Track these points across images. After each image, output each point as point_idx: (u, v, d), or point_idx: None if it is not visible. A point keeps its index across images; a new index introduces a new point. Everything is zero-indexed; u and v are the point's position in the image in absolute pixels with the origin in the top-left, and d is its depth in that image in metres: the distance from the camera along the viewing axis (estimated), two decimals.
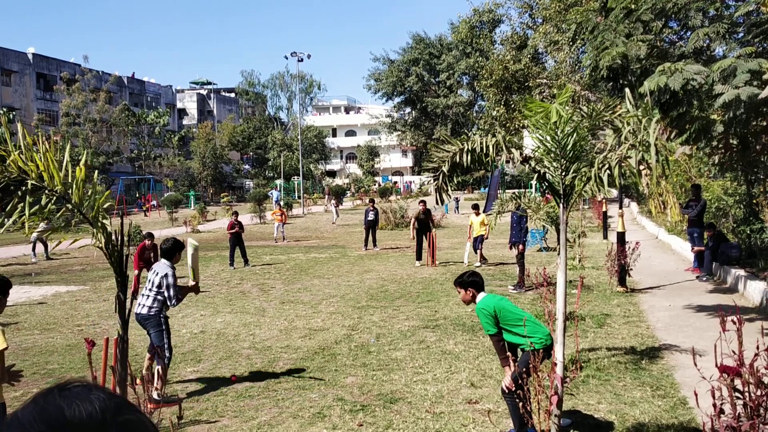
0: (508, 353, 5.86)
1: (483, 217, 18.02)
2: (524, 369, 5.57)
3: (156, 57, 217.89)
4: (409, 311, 11.92)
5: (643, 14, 9.58)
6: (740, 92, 8.14)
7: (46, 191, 4.64)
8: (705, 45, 9.65)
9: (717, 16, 9.82)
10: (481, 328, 10.24)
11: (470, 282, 5.95)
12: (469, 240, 18.53)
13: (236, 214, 20.24)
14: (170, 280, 7.77)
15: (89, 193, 4.77)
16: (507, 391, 5.64)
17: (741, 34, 10.11)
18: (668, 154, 4.97)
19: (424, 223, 18.89)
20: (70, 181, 4.77)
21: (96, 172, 5.03)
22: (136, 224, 14.48)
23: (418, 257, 18.75)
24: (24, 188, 4.59)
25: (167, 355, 7.60)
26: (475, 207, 18.47)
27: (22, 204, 4.55)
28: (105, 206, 4.96)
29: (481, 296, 5.89)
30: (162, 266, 7.85)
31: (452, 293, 13.59)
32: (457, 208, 40.75)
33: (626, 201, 34.09)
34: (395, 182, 76.57)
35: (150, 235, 15.38)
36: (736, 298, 11.71)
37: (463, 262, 18.44)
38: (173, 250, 8.09)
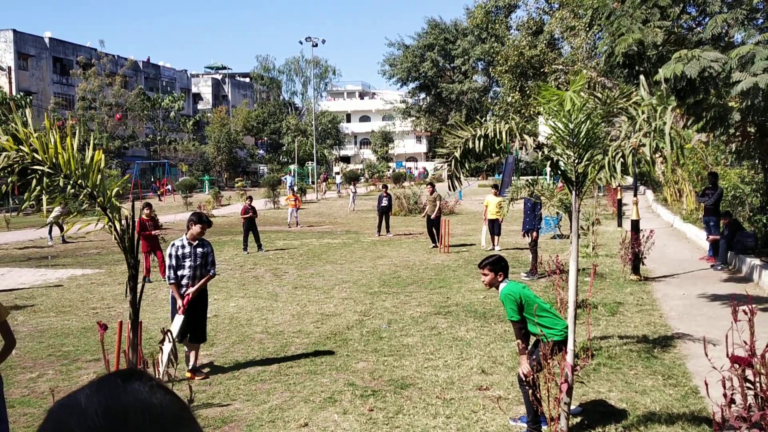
0: (518, 341, 5.86)
1: (500, 199, 17.97)
2: (535, 357, 5.57)
3: (171, 41, 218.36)
4: (421, 297, 11.94)
5: (660, 0, 9.46)
6: (758, 80, 8.03)
7: (62, 176, 4.67)
8: (723, 31, 9.52)
9: (736, 1, 9.67)
10: (492, 315, 10.27)
11: (503, 266, 5.93)
12: (484, 222, 18.58)
13: (250, 198, 20.28)
14: (169, 250, 7.85)
15: (98, 180, 4.79)
16: (523, 379, 5.63)
17: (760, 21, 9.96)
18: (683, 142, 4.92)
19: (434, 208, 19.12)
20: (84, 166, 4.80)
21: (103, 156, 5.04)
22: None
23: (433, 240, 19.01)
24: (40, 173, 4.62)
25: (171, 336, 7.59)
26: (495, 187, 18.51)
27: (39, 187, 4.58)
28: (117, 191, 4.99)
29: (505, 283, 5.87)
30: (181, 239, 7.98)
31: (465, 280, 13.58)
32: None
33: (641, 189, 33.85)
34: (409, 167, 76.49)
35: (147, 206, 15.04)
36: (751, 287, 11.62)
37: (482, 246, 18.51)
38: (188, 222, 8.07)
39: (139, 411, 0.89)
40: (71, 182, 4.58)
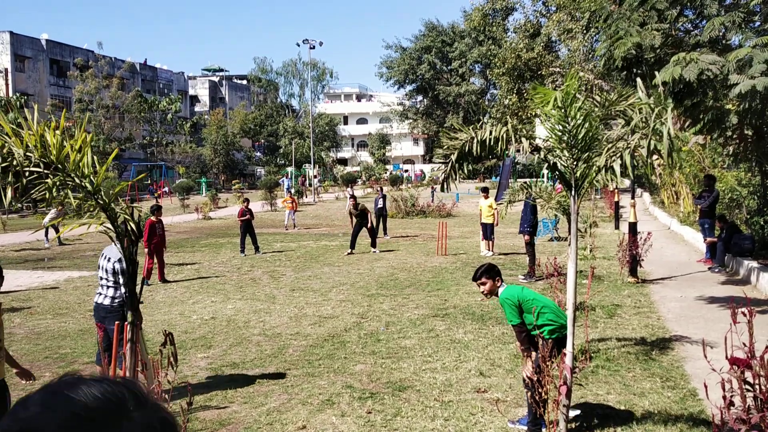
0: (518, 343, 5.86)
1: (491, 201, 18.02)
2: (535, 360, 5.57)
3: (169, 44, 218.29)
4: (419, 300, 11.93)
5: (657, 2, 9.47)
6: (756, 82, 8.03)
7: (67, 176, 4.65)
8: (721, 34, 9.54)
9: (733, 4, 9.69)
10: (490, 317, 10.26)
11: (498, 271, 5.94)
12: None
13: (247, 201, 20.26)
14: (124, 265, 6.83)
15: (96, 180, 4.78)
16: (528, 381, 5.62)
17: (758, 23, 9.98)
18: (681, 144, 4.93)
19: (362, 216, 19.33)
20: (89, 167, 4.79)
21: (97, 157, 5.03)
22: (147, 212, 14.52)
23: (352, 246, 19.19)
24: (44, 173, 4.60)
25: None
26: (484, 190, 18.52)
27: (51, 184, 4.55)
28: (117, 191, 4.98)
29: (503, 287, 5.88)
30: (114, 250, 7.08)
31: (462, 282, 13.58)
32: (433, 196, 36.62)
33: (638, 191, 33.88)
34: (406, 170, 76.46)
35: (158, 209, 15.11)
36: (749, 289, 11.63)
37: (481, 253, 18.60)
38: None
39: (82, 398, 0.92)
40: (82, 182, 4.56)
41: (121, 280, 7.05)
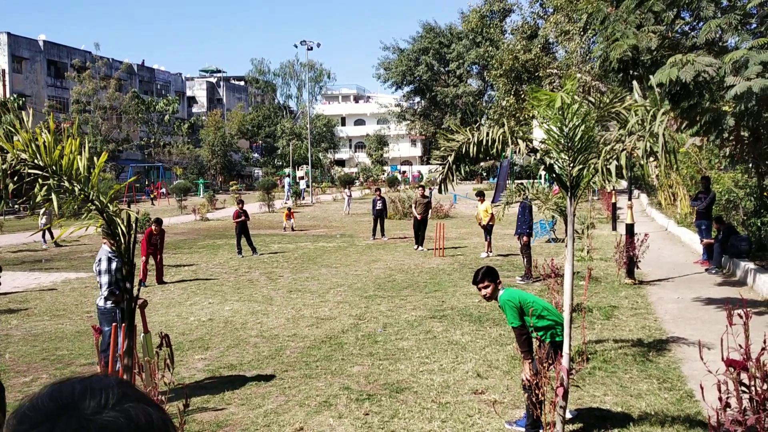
0: (516, 345, 5.86)
1: (487, 205, 18.05)
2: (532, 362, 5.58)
3: (166, 45, 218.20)
4: (416, 301, 11.93)
5: (654, 5, 9.50)
6: (752, 84, 8.06)
7: (65, 179, 4.65)
8: (717, 36, 9.56)
9: (730, 6, 9.72)
10: (487, 319, 10.27)
11: (497, 274, 5.92)
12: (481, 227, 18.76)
13: (242, 202, 20.16)
14: (103, 266, 7.11)
15: (92, 181, 4.78)
16: (527, 384, 5.62)
17: (754, 25, 10.01)
18: (677, 146, 4.93)
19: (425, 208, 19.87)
20: (82, 171, 4.78)
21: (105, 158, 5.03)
22: (144, 212, 14.54)
23: (420, 242, 19.77)
24: (40, 176, 4.60)
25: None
26: (480, 194, 18.55)
27: (45, 189, 4.55)
28: (111, 194, 4.97)
29: (502, 290, 5.87)
30: (101, 251, 7.26)
31: (460, 283, 13.59)
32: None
33: (636, 192, 33.93)
34: (404, 171, 76.44)
35: (158, 221, 15.48)
36: (745, 291, 11.65)
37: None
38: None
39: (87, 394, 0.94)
40: (72, 185, 4.56)
41: (100, 280, 7.14)
